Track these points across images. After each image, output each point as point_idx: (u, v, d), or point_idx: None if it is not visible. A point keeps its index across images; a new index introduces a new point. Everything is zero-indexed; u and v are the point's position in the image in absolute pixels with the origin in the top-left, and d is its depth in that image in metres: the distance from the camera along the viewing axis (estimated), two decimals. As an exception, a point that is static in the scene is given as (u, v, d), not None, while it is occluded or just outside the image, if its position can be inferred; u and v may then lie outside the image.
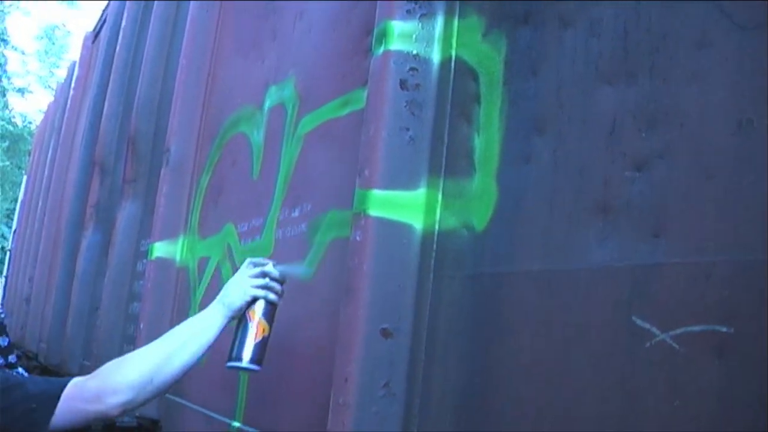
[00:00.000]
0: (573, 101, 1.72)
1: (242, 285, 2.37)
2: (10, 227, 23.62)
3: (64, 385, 2.18)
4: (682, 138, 1.45)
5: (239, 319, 2.37)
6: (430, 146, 2.07)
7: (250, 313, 2.35)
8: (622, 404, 1.46)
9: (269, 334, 2.36)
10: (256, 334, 2.33)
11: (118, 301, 4.93)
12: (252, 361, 2.32)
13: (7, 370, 2.50)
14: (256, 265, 2.43)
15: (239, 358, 2.32)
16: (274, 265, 2.43)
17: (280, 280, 2.42)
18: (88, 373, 4.86)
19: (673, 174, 1.45)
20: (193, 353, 2.30)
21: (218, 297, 2.41)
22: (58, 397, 2.15)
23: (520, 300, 1.76)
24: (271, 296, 2.38)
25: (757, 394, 1.24)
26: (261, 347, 2.34)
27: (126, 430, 5.83)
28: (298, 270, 2.60)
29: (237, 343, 2.34)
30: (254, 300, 2.36)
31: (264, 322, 2.35)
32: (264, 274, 2.39)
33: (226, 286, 2.42)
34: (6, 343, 2.54)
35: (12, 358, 2.53)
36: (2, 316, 2.47)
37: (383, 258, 2.02)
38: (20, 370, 2.54)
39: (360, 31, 2.58)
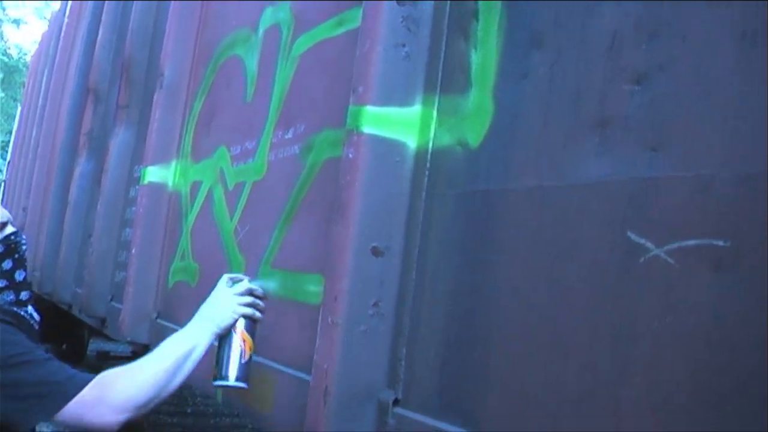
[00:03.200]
0: (573, 15, 1.68)
1: (229, 303, 2.38)
2: (5, 159, 23.55)
3: (81, 387, 2.14)
4: (684, 51, 1.42)
5: (222, 336, 2.37)
6: (426, 63, 2.03)
7: (235, 329, 2.36)
8: (614, 320, 1.44)
9: (254, 351, 2.39)
10: (244, 352, 2.35)
11: (110, 227, 4.92)
12: (240, 378, 2.34)
13: (23, 314, 2.41)
14: (234, 281, 2.46)
15: (226, 377, 2.33)
16: (250, 281, 2.46)
17: (263, 297, 2.45)
18: (80, 300, 4.86)
19: (674, 87, 1.42)
20: (186, 372, 2.28)
21: (202, 313, 2.40)
22: (72, 397, 2.12)
23: (514, 217, 1.74)
24: (258, 314, 2.41)
25: (753, 309, 1.22)
26: (247, 365, 2.36)
27: (121, 359, 5.81)
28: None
29: (224, 361, 2.35)
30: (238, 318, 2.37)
31: (250, 340, 2.36)
32: (249, 292, 2.41)
33: (207, 302, 2.42)
34: (22, 278, 2.40)
35: (24, 295, 2.39)
36: (25, 248, 2.32)
37: (376, 175, 2.00)
38: (30, 309, 2.41)
39: (357, -52, 2.53)
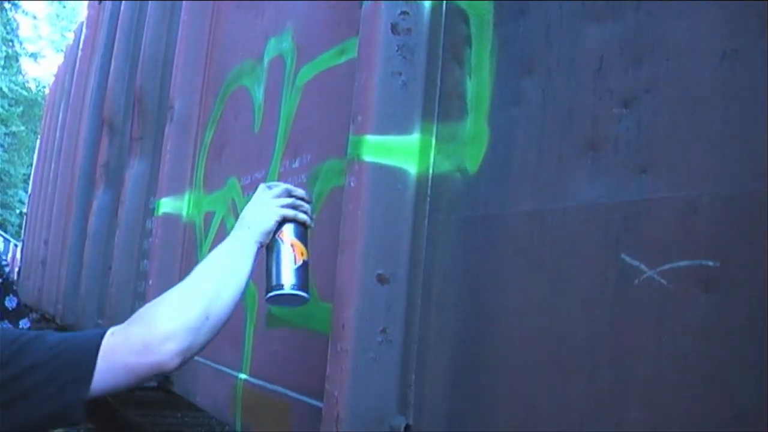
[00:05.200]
0: (561, 40, 1.70)
1: (268, 206, 2.10)
2: (26, 191, 23.70)
3: (101, 337, 1.75)
4: (668, 72, 1.44)
5: (269, 246, 2.10)
6: (423, 90, 2.05)
7: (281, 236, 2.09)
8: (613, 342, 1.45)
9: (309, 259, 2.12)
10: (296, 257, 2.07)
11: (129, 259, 4.95)
12: (296, 286, 2.06)
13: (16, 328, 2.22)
14: (272, 188, 2.18)
15: (280, 286, 2.06)
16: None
17: (305, 199, 2.18)
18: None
19: (659, 109, 1.44)
20: (240, 284, 1.98)
21: (241, 223, 2.11)
22: (97, 349, 1.71)
23: (512, 241, 1.75)
24: (302, 216, 2.13)
25: (743, 328, 1.24)
26: (303, 271, 2.09)
27: (146, 390, 5.85)
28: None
29: (274, 269, 2.08)
30: (282, 223, 2.11)
31: (301, 245, 2.10)
32: (289, 193, 2.15)
33: (245, 211, 2.14)
34: (14, 305, 2.20)
35: (24, 323, 2.18)
36: (7, 269, 2.16)
37: (378, 203, 2.02)
38: None
39: (354, -22, 2.55)
